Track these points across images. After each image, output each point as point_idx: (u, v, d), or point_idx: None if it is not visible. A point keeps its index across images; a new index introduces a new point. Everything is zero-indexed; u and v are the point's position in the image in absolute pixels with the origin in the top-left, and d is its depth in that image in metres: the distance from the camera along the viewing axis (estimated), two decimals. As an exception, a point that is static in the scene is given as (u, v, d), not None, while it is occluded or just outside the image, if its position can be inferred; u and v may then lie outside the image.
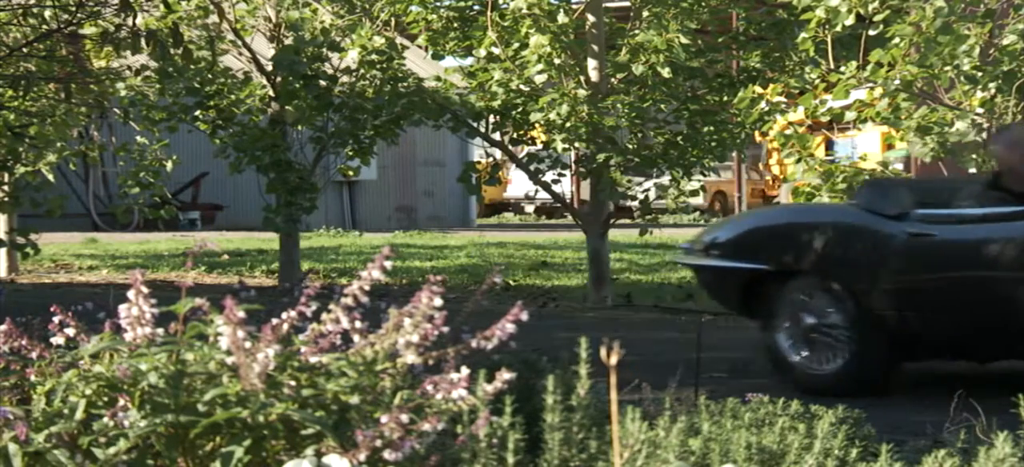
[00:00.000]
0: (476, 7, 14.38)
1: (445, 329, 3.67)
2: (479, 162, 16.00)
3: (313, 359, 3.61)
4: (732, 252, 8.91)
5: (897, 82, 11.19)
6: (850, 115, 11.61)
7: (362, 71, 14.33)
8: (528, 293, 14.97)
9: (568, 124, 13.48)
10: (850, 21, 11.30)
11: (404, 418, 3.42)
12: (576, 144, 13.95)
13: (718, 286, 9.14)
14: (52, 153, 14.21)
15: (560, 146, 13.86)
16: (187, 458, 3.53)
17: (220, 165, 16.30)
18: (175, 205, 16.40)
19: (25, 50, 12.69)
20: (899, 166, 17.90)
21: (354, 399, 3.53)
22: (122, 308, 3.72)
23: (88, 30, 13.56)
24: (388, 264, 3.69)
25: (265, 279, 16.48)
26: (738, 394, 4.70)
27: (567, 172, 15.16)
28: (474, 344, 3.71)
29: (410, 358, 3.65)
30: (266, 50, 15.25)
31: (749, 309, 8.83)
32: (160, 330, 3.71)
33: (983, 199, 8.05)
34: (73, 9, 12.01)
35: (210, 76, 14.60)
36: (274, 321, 3.62)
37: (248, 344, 3.52)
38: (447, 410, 3.56)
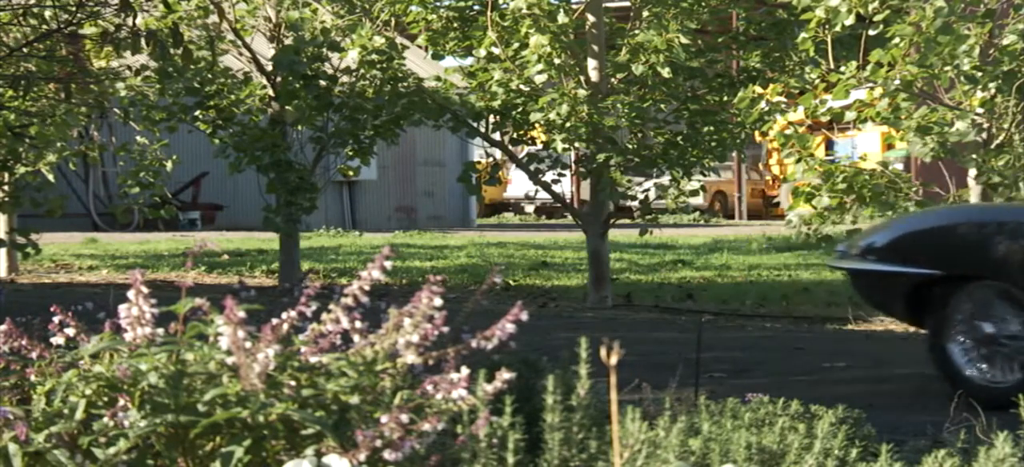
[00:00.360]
0: (476, 7, 14.39)
1: (445, 329, 3.67)
2: (479, 162, 16.00)
3: (313, 359, 3.61)
4: (895, 256, 8.26)
5: (897, 82, 11.19)
6: (850, 115, 11.61)
7: (362, 71, 14.33)
8: (528, 293, 14.97)
9: (568, 124, 13.48)
10: (850, 21, 11.30)
11: (404, 418, 3.42)
12: (576, 144, 13.95)
13: (879, 292, 8.51)
14: (52, 153, 14.22)
15: (560, 146, 13.86)
16: (187, 458, 3.53)
17: (220, 165, 16.30)
18: (175, 205, 16.40)
19: (25, 50, 12.69)
20: (899, 166, 17.90)
21: (354, 399, 3.53)
22: (122, 308, 3.72)
23: (88, 30, 13.56)
24: (388, 264, 3.69)
25: (265, 279, 16.49)
26: (738, 394, 4.69)
27: (567, 172, 15.17)
28: (474, 344, 3.71)
29: (410, 358, 3.65)
30: (266, 50, 15.25)
31: (915, 316, 8.23)
32: (160, 330, 3.71)
33: None
34: (73, 9, 12.01)
35: (210, 76, 14.61)
36: (274, 321, 3.62)
37: (248, 344, 3.52)
38: (447, 410, 3.56)
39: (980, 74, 11.05)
